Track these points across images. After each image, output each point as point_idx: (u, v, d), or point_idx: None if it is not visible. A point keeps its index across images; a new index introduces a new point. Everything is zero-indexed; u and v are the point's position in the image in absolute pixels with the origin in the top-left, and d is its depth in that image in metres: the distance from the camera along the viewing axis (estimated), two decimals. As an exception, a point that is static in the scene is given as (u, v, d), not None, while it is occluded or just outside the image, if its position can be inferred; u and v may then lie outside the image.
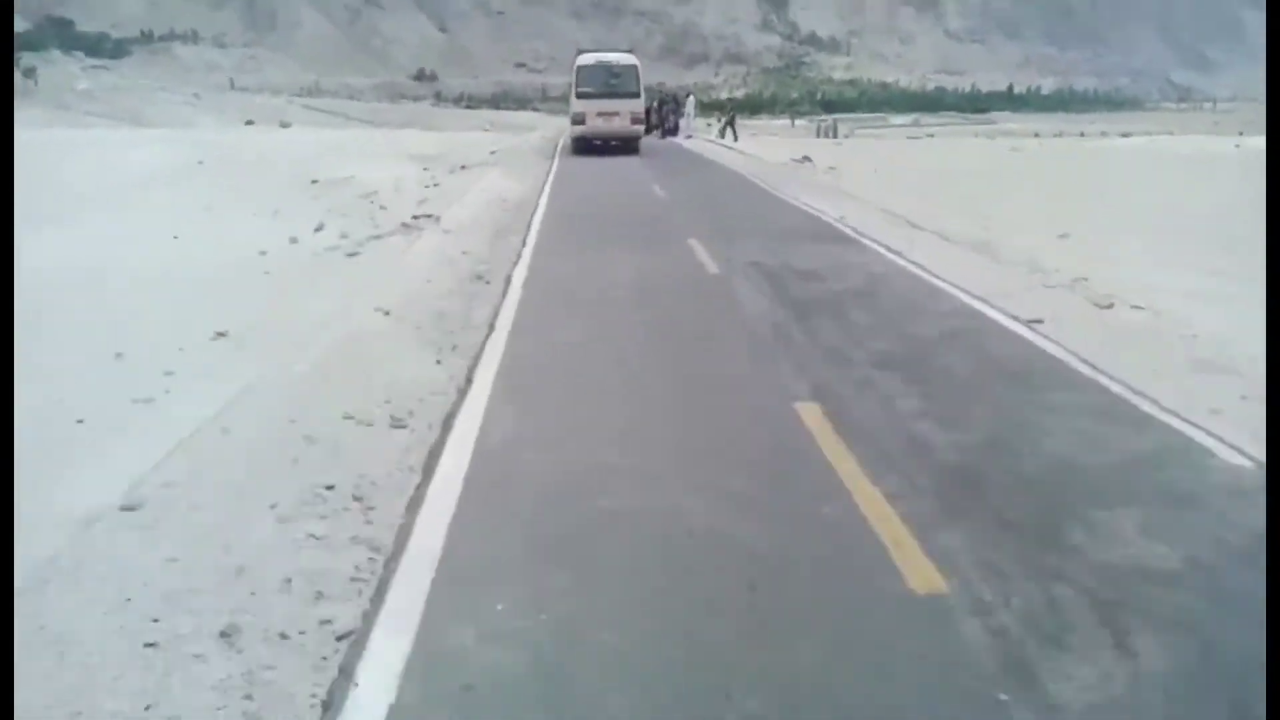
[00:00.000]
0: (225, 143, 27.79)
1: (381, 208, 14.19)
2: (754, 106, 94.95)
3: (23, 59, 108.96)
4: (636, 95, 25.75)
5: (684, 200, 16.05)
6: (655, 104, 35.27)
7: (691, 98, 38.79)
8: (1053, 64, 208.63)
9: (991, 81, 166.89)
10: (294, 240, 11.16)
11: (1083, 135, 45.70)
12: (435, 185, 17.47)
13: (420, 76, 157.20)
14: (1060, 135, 46.04)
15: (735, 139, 33.70)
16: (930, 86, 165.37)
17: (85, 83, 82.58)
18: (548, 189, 17.64)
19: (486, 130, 55.28)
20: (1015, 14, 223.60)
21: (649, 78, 26.87)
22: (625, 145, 25.48)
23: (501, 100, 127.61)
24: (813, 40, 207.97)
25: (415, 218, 12.89)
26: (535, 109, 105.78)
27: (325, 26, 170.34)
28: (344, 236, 11.60)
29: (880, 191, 16.74)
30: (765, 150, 28.19)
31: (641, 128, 26.34)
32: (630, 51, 27.32)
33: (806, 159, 23.81)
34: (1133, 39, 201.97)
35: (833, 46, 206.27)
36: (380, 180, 17.03)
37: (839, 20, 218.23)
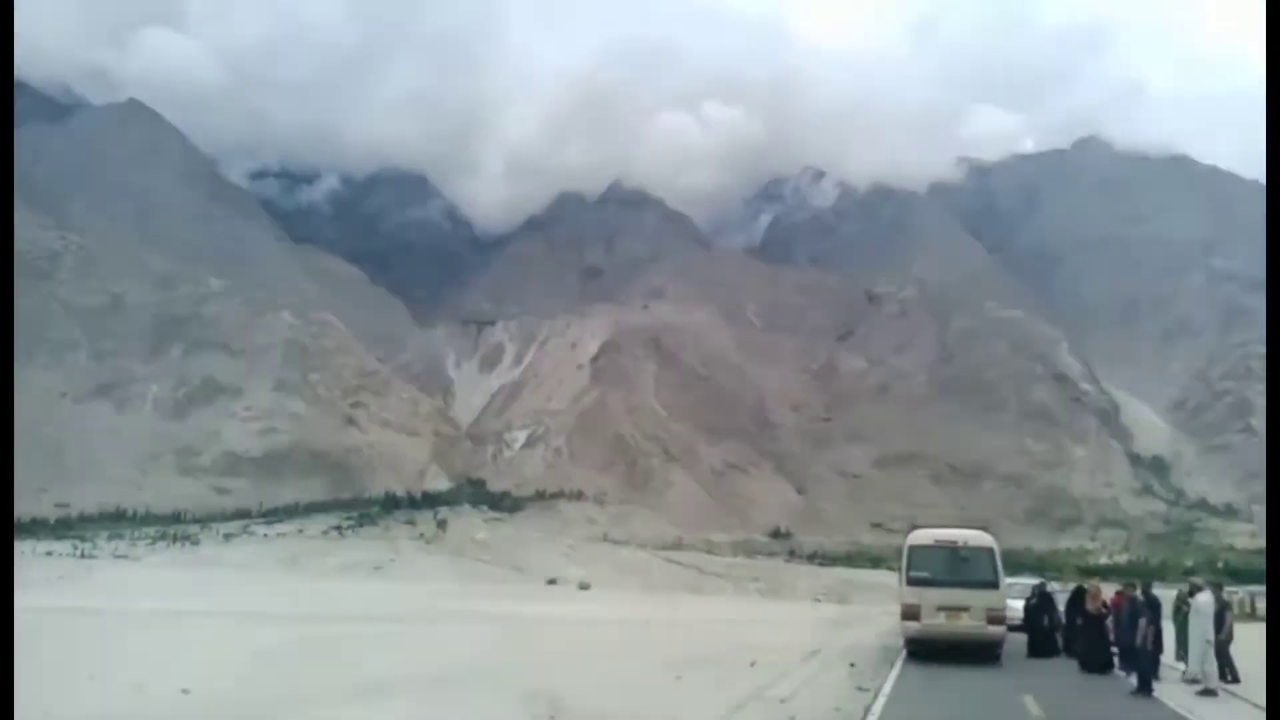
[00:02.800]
0: (386, 622, 28.05)
1: None
2: (1142, 574, 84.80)
3: (439, 512, 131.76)
4: (994, 585, 20.18)
5: None
6: (1101, 607, 20.75)
7: (1207, 593, 18.07)
8: None
9: None
10: None
11: None
12: None
13: (776, 534, 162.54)
14: None
15: (1234, 678, 17.89)
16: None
17: (483, 533, 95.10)
18: None
19: (818, 601, 53.15)
20: None
21: (1013, 542, 21.85)
22: (982, 653, 20.22)
23: (855, 558, 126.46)
24: (1203, 506, 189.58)
25: None
26: (890, 568, 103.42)
27: (693, 487, 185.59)
28: None
29: None
30: None
31: (1003, 630, 20.38)
32: (984, 529, 22.41)
33: None
34: None
35: (1228, 513, 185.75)
36: None
37: (1233, 487, 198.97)
